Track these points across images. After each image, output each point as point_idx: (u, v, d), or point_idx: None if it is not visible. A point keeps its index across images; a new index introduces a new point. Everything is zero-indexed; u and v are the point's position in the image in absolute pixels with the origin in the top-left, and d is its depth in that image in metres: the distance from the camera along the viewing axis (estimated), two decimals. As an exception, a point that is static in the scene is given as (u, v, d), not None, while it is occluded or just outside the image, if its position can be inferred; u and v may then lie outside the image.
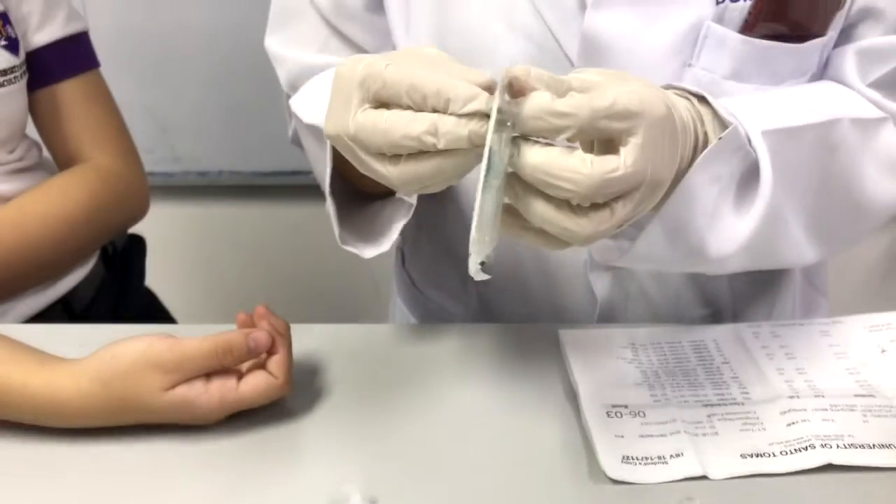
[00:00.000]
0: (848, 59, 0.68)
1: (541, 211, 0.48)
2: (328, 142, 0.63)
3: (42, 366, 0.62)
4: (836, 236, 0.68)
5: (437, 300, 0.89)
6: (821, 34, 0.67)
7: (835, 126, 0.63)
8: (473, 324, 0.81)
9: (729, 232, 0.60)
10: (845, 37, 0.69)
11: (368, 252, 0.67)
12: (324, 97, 0.58)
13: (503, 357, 0.71)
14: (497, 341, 0.73)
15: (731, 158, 0.58)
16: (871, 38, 0.68)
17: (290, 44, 0.78)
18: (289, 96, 0.79)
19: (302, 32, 0.77)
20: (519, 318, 0.82)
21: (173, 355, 0.59)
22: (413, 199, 0.66)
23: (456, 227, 0.82)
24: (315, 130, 0.67)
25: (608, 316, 0.78)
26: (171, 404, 0.60)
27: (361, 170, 0.53)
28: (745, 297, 0.81)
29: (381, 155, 0.50)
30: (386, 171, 0.51)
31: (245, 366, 0.63)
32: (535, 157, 0.47)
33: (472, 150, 0.48)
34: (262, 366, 0.63)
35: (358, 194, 0.71)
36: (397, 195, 0.67)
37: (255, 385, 0.62)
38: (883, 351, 0.68)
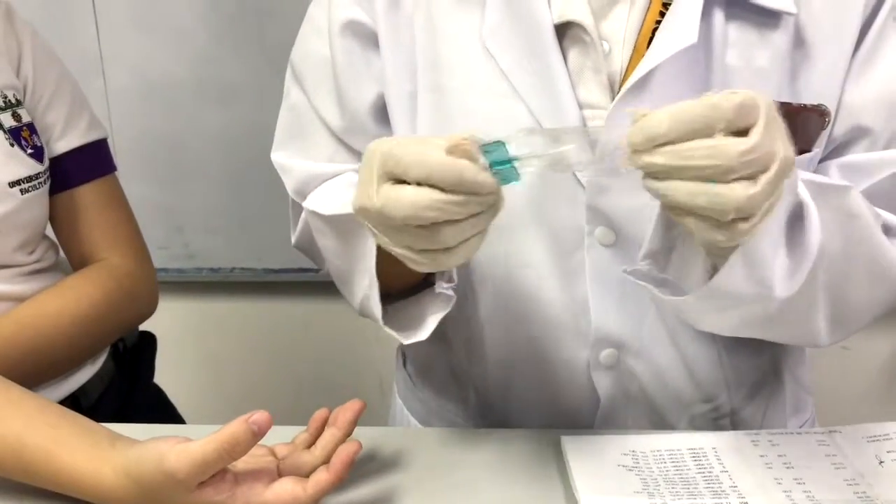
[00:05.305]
0: (832, 173, 0.74)
1: (687, 187, 0.52)
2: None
3: (91, 455, 0.64)
4: (852, 309, 0.70)
5: (437, 402, 0.90)
6: (808, 150, 0.72)
7: (851, 193, 0.66)
8: (475, 429, 0.82)
9: (786, 270, 0.62)
10: (836, 153, 0.74)
11: (408, 338, 0.68)
12: (343, 193, 0.60)
13: (504, 462, 0.72)
14: (498, 446, 0.74)
15: (788, 194, 0.61)
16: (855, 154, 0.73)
17: (298, 156, 0.81)
18: (294, 202, 0.81)
19: (310, 145, 0.80)
20: (519, 420, 0.82)
21: (185, 465, 0.60)
22: (451, 292, 0.68)
23: (454, 334, 0.83)
24: (338, 221, 0.69)
25: (609, 416, 0.79)
26: None
27: (390, 247, 0.56)
28: (741, 393, 0.82)
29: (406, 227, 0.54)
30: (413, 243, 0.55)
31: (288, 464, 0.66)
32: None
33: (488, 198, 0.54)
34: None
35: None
36: (436, 287, 0.69)
37: (279, 493, 0.62)
38: (881, 462, 0.68)
